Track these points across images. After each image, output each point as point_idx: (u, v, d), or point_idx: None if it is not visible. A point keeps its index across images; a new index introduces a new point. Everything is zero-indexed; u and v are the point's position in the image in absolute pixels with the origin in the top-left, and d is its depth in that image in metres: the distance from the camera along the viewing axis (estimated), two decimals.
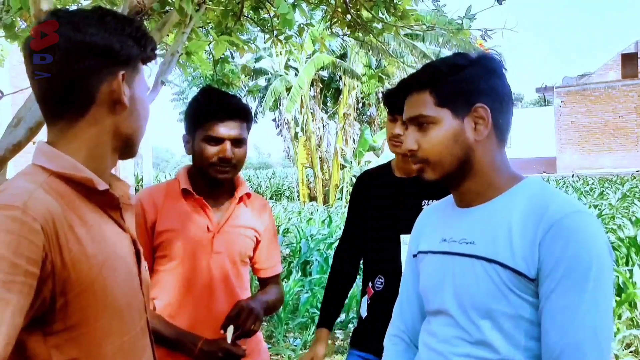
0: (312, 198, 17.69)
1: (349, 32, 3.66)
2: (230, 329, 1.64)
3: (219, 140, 1.69)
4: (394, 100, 1.94)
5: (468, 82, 1.19)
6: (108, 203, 1.04)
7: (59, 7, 2.20)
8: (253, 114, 1.86)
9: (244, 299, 1.75)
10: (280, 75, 16.39)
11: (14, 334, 0.82)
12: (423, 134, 1.22)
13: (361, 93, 17.95)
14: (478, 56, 1.23)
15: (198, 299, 1.71)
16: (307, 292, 5.26)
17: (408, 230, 1.47)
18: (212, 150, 1.69)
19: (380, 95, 18.30)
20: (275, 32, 3.59)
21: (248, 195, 1.84)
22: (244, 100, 1.86)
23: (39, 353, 0.91)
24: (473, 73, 1.20)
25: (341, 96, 17.25)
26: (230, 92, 1.88)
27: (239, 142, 1.72)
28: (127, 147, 1.09)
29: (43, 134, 1.63)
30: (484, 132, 1.19)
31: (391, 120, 1.99)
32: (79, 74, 0.97)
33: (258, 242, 1.86)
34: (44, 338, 0.91)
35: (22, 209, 0.85)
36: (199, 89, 1.87)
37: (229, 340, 1.62)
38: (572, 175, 20.76)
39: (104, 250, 0.98)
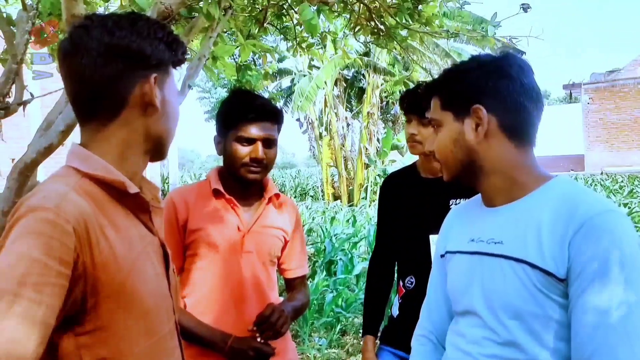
0: (337, 197, 17.63)
1: (372, 40, 3.65)
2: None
3: (250, 141, 1.71)
4: (407, 100, 1.97)
5: (469, 84, 1.21)
6: (138, 206, 1.06)
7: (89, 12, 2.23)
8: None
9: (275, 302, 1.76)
10: (305, 75, 16.38)
11: (46, 334, 0.84)
12: (436, 136, 1.28)
13: (385, 92, 17.85)
14: (490, 58, 1.23)
15: (228, 297, 1.73)
16: (332, 292, 5.26)
17: (437, 230, 1.47)
18: (243, 150, 1.71)
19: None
20: (297, 40, 3.62)
21: (277, 196, 1.86)
22: None
23: (69, 352, 0.93)
24: (476, 75, 1.21)
25: (365, 95, 17.17)
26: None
27: (270, 142, 1.74)
28: (157, 150, 1.10)
29: (72, 137, 1.66)
30: (482, 133, 1.19)
31: (407, 121, 2.01)
32: (109, 77, 0.99)
33: (286, 242, 1.88)
34: (74, 338, 0.93)
35: (54, 211, 0.87)
36: (225, 89, 1.91)
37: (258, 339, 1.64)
38: (601, 173, 20.35)
39: (132, 252, 0.99)
